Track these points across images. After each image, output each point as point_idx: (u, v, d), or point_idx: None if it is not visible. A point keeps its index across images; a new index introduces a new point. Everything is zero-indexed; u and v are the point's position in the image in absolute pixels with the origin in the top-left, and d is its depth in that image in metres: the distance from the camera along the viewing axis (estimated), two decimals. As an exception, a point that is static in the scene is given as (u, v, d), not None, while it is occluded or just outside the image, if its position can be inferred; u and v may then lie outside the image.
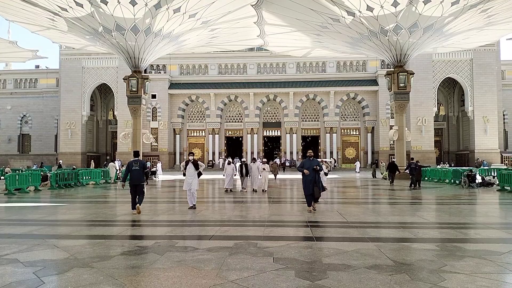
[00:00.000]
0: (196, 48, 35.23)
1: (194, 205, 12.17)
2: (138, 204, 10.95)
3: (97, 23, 25.61)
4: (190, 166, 12.23)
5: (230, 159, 19.89)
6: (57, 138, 51.58)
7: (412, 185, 20.81)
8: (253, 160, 20.62)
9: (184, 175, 12.42)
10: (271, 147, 54.63)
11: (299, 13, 24.77)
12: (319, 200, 12.00)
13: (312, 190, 10.81)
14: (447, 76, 46.03)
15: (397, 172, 23.92)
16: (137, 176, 11.18)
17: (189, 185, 12.09)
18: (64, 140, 48.75)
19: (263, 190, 18.15)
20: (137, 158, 11.67)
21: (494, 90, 45.04)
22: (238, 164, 21.95)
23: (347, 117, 50.11)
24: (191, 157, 12.53)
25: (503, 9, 23.61)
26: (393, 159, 30.09)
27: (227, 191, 18.27)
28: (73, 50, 46.45)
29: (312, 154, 11.33)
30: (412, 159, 25.88)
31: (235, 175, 19.19)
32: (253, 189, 18.66)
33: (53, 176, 21.76)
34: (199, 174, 12.33)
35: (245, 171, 18.97)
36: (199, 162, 12.52)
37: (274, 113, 50.99)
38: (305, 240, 7.43)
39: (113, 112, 50.26)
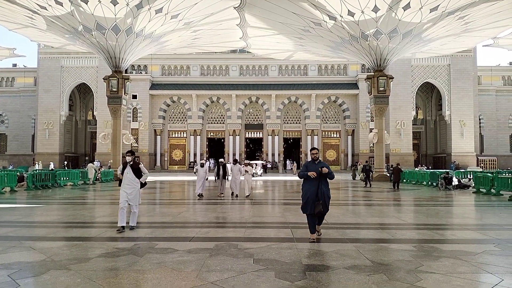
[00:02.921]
0: (178, 49, 35.06)
1: (123, 227, 8.48)
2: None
3: (77, 22, 25.20)
4: (128, 171, 8.74)
5: (203, 161, 18.14)
6: (34, 138, 50.44)
7: (394, 186, 21.47)
8: (235, 161, 18.16)
9: (120, 184, 8.96)
10: (253, 148, 54.72)
11: (282, 17, 24.93)
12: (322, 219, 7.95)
13: (314, 207, 7.33)
14: (425, 81, 47.04)
15: (371, 174, 24.92)
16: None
17: (125, 197, 8.64)
18: (41, 140, 47.69)
19: (246, 195, 16.31)
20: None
21: (471, 95, 46.25)
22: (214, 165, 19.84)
23: (328, 120, 50.62)
24: (128, 158, 8.86)
25: (479, 16, 24.30)
26: (367, 162, 31.00)
27: (200, 196, 16.11)
28: (52, 48, 45.55)
29: (317, 154, 7.70)
30: (397, 164, 26.40)
31: (207, 178, 16.53)
32: (235, 194, 16.75)
33: (29, 176, 21.26)
34: (142, 184, 8.99)
35: (222, 173, 16.92)
36: (141, 166, 9.03)
37: (256, 115, 51.09)
38: (286, 241, 7.47)
39: (93, 112, 49.48)
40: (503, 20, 25.32)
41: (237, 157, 46.56)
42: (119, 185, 8.93)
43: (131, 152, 9.03)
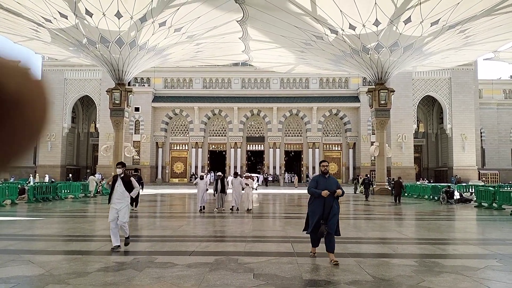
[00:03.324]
0: (181, 61, 35.31)
1: (118, 246, 7.85)
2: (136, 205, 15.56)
3: (81, 35, 25.48)
4: (119, 184, 8.10)
5: (203, 174, 17.85)
6: (36, 150, 50.54)
7: (396, 200, 21.44)
8: (235, 174, 17.57)
9: (110, 200, 8.13)
10: (255, 161, 54.66)
11: (284, 30, 25.16)
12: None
13: (319, 226, 6.78)
14: (426, 94, 47.13)
15: (370, 188, 25.80)
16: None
17: (115, 213, 7.89)
18: (43, 153, 47.79)
19: (247, 209, 15.74)
20: (136, 173, 13.33)
21: (472, 108, 46.29)
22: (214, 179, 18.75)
23: (329, 133, 50.64)
24: (119, 170, 8.24)
25: (480, 30, 24.47)
26: (367, 175, 31.16)
27: (201, 210, 15.79)
28: (56, 61, 45.97)
29: (327, 167, 7.22)
30: (398, 177, 26.43)
31: (207, 190, 16.30)
32: (235, 207, 16.19)
33: (30, 189, 21.25)
34: (133, 199, 8.42)
35: (220, 187, 16.23)
36: (132, 179, 8.40)
37: (258, 127, 51.17)
38: (286, 255, 7.42)
39: (95, 125, 49.64)
40: (504, 34, 25.48)
41: (238, 170, 46.50)
42: (108, 201, 8.11)
43: (122, 164, 8.41)
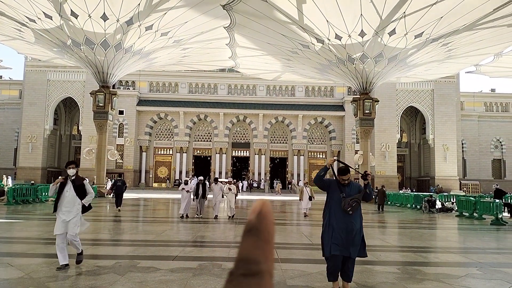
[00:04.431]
0: (167, 66, 35.14)
1: (67, 265, 6.41)
2: (119, 206, 17.44)
3: (66, 36, 25.15)
4: (69, 188, 6.56)
5: (187, 178, 17.38)
6: (17, 151, 49.49)
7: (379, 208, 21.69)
8: (215, 180, 16.50)
9: (56, 208, 6.52)
10: (240, 167, 54.58)
11: (271, 38, 25.32)
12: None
13: (348, 249, 5.13)
14: (409, 105, 47.94)
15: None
16: (120, 189, 17.87)
17: (62, 226, 6.39)
18: (24, 154, 46.80)
19: (229, 216, 15.34)
20: (121, 178, 16.21)
21: (454, 120, 47.25)
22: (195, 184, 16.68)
23: (314, 141, 50.98)
24: (72, 170, 6.64)
25: (462, 44, 25.08)
26: None
27: (183, 217, 14.98)
28: (39, 62, 45.20)
29: (347, 181, 5.48)
30: (382, 186, 26.66)
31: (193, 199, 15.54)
32: (215, 215, 15.30)
33: (10, 191, 20.76)
34: (85, 208, 6.71)
35: (201, 192, 15.36)
36: (85, 182, 6.83)
37: (244, 134, 51.18)
38: (270, 261, 7.40)
39: (78, 127, 48.92)
40: (485, 48, 26.16)
41: (223, 175, 46.35)
42: (54, 210, 6.55)
43: (75, 164, 6.87)
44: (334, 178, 5.53)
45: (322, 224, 5.45)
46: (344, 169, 5.43)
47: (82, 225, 6.70)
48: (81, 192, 6.63)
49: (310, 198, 16.61)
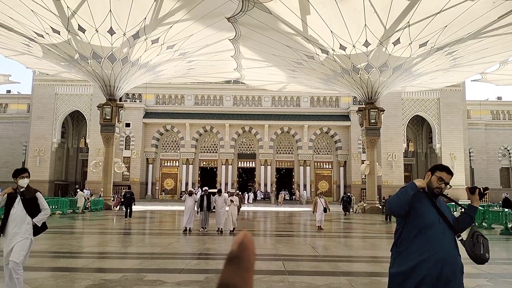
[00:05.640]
0: (173, 78, 35.44)
1: None
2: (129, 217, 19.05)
3: (74, 50, 25.51)
4: (18, 203, 5.16)
5: (193, 189, 16.76)
6: (25, 165, 49.85)
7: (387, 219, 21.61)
8: (219, 192, 15.64)
9: (5, 223, 5.10)
10: (246, 178, 54.50)
11: (275, 49, 25.49)
12: None
13: None
14: (415, 114, 47.74)
15: (351, 206, 29.08)
16: (129, 200, 19.48)
17: (9, 248, 5.09)
18: (31, 168, 47.04)
19: (230, 230, 14.73)
20: (130, 190, 17.90)
21: (460, 128, 46.96)
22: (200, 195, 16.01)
23: (320, 151, 50.85)
24: (24, 180, 5.30)
25: (467, 52, 25.05)
26: (348, 193, 33.45)
27: (186, 231, 14.32)
28: (46, 76, 45.78)
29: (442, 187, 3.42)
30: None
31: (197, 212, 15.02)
32: (219, 228, 14.67)
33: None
34: (38, 229, 5.29)
35: (206, 204, 14.73)
36: (38, 195, 5.40)
37: (249, 144, 51.22)
38: (277, 274, 7.35)
39: (85, 140, 49.26)
40: (490, 56, 26.11)
41: (229, 187, 46.28)
42: (1, 231, 5.11)
43: (28, 172, 5.50)
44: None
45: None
46: (447, 168, 3.51)
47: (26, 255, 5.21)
48: (32, 207, 5.19)
49: (325, 210, 15.79)
